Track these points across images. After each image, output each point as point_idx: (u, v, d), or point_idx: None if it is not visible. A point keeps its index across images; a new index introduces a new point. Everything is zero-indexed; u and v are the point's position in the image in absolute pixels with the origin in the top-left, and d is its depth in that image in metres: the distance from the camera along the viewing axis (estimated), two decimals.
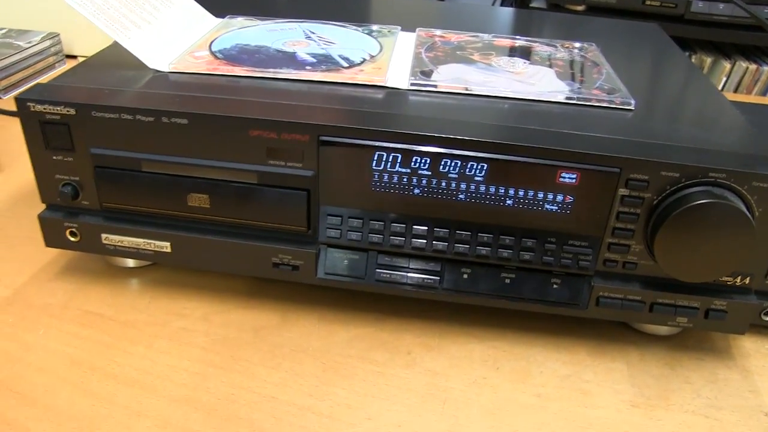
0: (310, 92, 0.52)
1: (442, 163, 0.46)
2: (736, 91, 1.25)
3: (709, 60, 1.26)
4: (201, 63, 0.55)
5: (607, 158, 0.45)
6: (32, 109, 0.49)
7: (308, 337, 0.52)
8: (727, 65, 1.24)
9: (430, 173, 0.47)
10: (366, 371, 0.49)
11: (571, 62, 0.60)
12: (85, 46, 1.03)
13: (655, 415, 0.48)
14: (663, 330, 0.54)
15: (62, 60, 1.01)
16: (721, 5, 1.13)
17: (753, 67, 1.23)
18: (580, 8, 1.21)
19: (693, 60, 1.28)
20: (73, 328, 0.52)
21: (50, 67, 0.98)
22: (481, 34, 0.66)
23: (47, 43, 0.97)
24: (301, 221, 0.50)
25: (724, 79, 1.25)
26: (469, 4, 0.94)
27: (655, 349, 0.54)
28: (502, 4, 1.47)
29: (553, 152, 0.45)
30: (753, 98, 1.18)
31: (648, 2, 1.15)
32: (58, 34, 0.99)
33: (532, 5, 1.23)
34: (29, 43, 0.94)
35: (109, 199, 0.51)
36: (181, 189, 0.50)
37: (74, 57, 1.04)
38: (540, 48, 0.64)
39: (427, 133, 0.46)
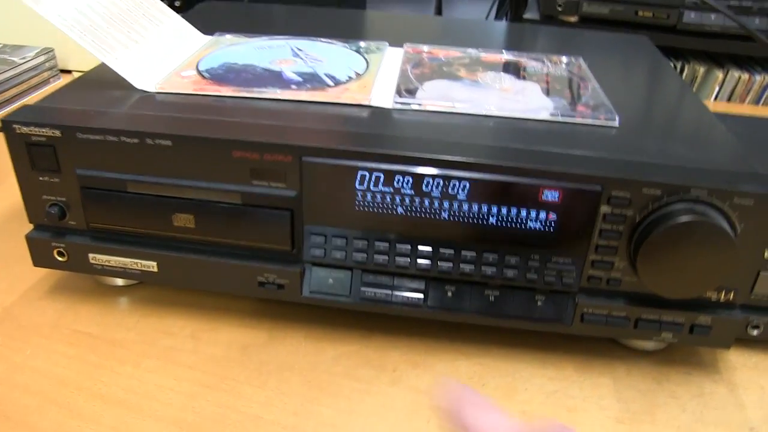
0: (295, 112, 0.52)
1: (425, 182, 0.46)
2: (729, 100, 1.25)
3: (702, 69, 1.27)
4: (187, 83, 0.55)
5: (588, 177, 0.45)
6: (18, 131, 0.49)
7: (295, 355, 0.52)
8: (719, 75, 1.24)
9: (412, 192, 0.47)
10: (351, 389, 0.50)
11: (558, 78, 0.61)
12: (80, 61, 1.03)
13: (642, 430, 0.48)
14: (649, 345, 0.54)
15: (57, 75, 1.02)
16: (713, 16, 1.14)
17: (745, 76, 1.23)
18: (573, 19, 1.21)
19: (686, 70, 1.28)
20: (62, 347, 0.52)
21: (45, 82, 0.99)
22: (469, 50, 0.67)
23: (42, 58, 0.98)
24: (285, 241, 0.50)
25: (717, 88, 1.26)
26: (462, 19, 0.94)
27: (642, 364, 0.54)
28: (496, 16, 1.48)
29: (535, 171, 0.46)
30: (745, 107, 1.19)
31: (641, 13, 1.15)
32: (53, 50, 1.00)
33: (525, 17, 1.24)
34: (24, 58, 0.95)
35: (95, 219, 0.52)
36: (166, 209, 0.50)
37: (69, 72, 1.04)
38: (527, 63, 0.64)
39: (409, 153, 0.46)
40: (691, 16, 1.15)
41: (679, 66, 1.28)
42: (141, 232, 0.52)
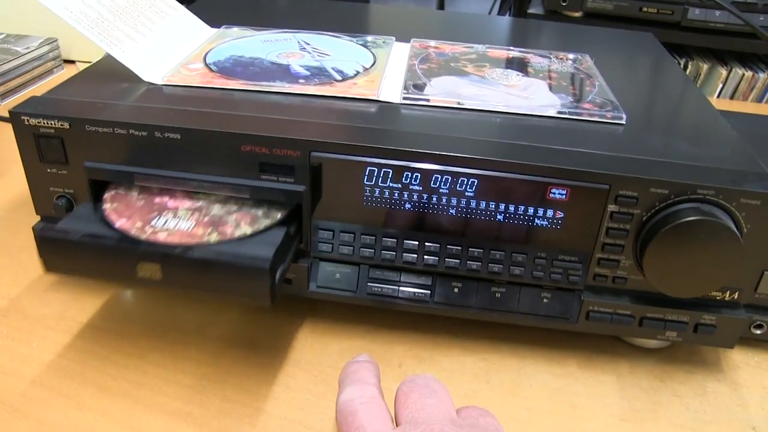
0: (303, 106, 0.52)
1: (433, 178, 0.46)
2: (732, 97, 1.25)
3: (705, 66, 1.27)
4: (195, 75, 0.55)
5: (596, 175, 0.45)
6: (26, 122, 0.49)
7: (301, 350, 0.52)
8: (723, 72, 1.24)
9: (421, 188, 0.47)
10: None
11: (565, 74, 0.61)
12: (83, 51, 1.03)
13: (645, 428, 0.48)
14: (653, 343, 0.55)
15: (60, 65, 1.01)
16: (718, 12, 1.14)
17: (749, 74, 1.23)
18: (577, 14, 1.21)
19: (690, 67, 1.28)
20: (68, 339, 0.52)
21: (48, 72, 0.99)
22: (475, 45, 0.67)
23: (45, 48, 0.97)
24: (264, 296, 0.44)
25: (721, 85, 1.25)
26: (467, 14, 0.94)
27: (646, 362, 0.54)
28: (500, 11, 1.47)
29: (544, 169, 0.46)
30: (749, 105, 1.19)
31: (645, 9, 1.15)
32: (56, 40, 0.99)
33: (529, 11, 1.24)
34: (27, 48, 0.95)
35: (54, 267, 0.47)
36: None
37: (72, 62, 1.04)
38: (534, 59, 0.64)
39: (418, 149, 0.46)
40: (695, 13, 1.14)
41: (682, 63, 1.28)
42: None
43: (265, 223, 0.47)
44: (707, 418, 0.49)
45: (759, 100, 1.24)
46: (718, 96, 1.26)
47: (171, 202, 0.49)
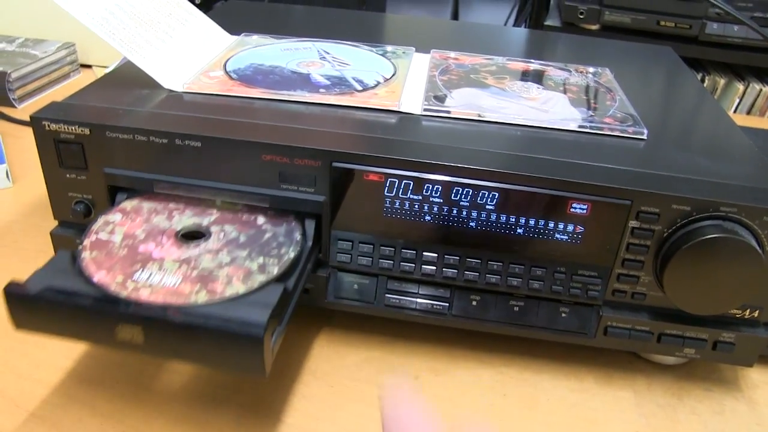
0: (324, 116, 0.52)
1: (454, 191, 0.46)
2: (748, 113, 1.25)
3: (722, 81, 1.26)
4: (215, 83, 0.55)
5: (618, 190, 0.45)
6: (47, 127, 0.49)
7: (317, 360, 0.52)
8: (740, 87, 1.24)
9: (441, 201, 0.47)
10: (373, 395, 0.50)
11: (585, 88, 0.61)
12: (100, 55, 1.04)
13: None
14: (670, 359, 0.54)
15: (77, 69, 1.02)
16: (736, 27, 1.13)
17: (766, 89, 1.23)
18: (594, 27, 1.21)
19: (706, 81, 1.28)
20: (84, 345, 0.52)
21: (65, 76, 0.99)
22: (495, 57, 0.66)
23: (63, 52, 0.98)
24: (257, 368, 0.39)
25: (737, 101, 1.25)
26: (484, 24, 0.94)
27: (663, 379, 0.53)
28: (515, 23, 1.47)
29: (564, 183, 0.45)
30: (766, 120, 1.18)
31: (662, 23, 1.15)
32: (74, 44, 1.00)
33: (546, 23, 1.23)
34: (45, 52, 0.95)
35: (23, 326, 0.41)
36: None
37: (89, 66, 1.05)
38: (554, 72, 0.64)
39: (439, 162, 0.46)
40: (713, 27, 1.14)
41: (699, 77, 1.27)
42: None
43: (259, 279, 0.43)
44: None
45: None
46: (735, 111, 1.26)
47: (157, 252, 0.45)
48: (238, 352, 0.39)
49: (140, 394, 0.48)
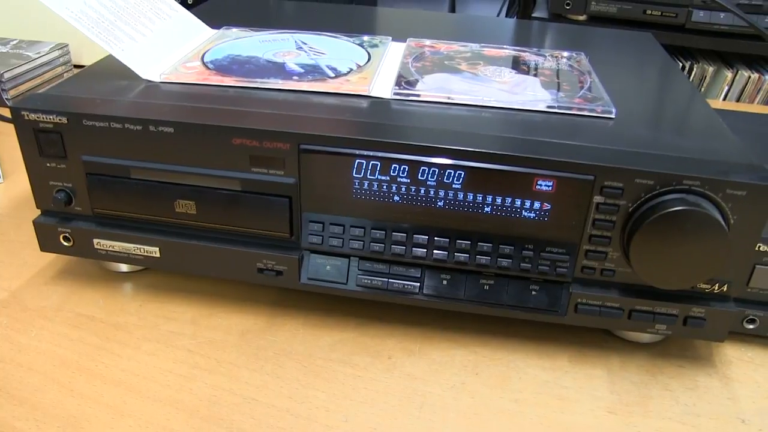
0: (295, 101, 0.53)
1: (420, 170, 0.47)
2: (738, 100, 1.25)
3: (711, 69, 1.26)
4: (192, 73, 0.56)
5: (581, 165, 0.46)
6: (26, 117, 0.51)
7: (292, 341, 0.53)
8: (729, 75, 1.24)
9: (408, 181, 0.48)
10: (346, 375, 0.50)
11: (558, 71, 0.61)
12: (94, 56, 1.04)
13: (632, 421, 0.48)
14: (645, 337, 0.55)
15: (70, 70, 1.03)
16: (722, 15, 1.13)
17: (755, 76, 1.22)
18: (581, 18, 1.21)
19: (695, 69, 1.27)
20: (65, 329, 0.53)
21: (59, 77, 1.01)
22: (471, 44, 0.67)
23: (56, 53, 0.99)
24: (283, 228, 0.51)
25: (726, 88, 1.25)
26: (471, 15, 0.95)
27: (637, 357, 0.54)
28: (507, 14, 1.48)
29: (528, 160, 0.46)
30: (755, 107, 1.18)
31: (649, 12, 1.15)
32: (67, 45, 1.01)
33: (534, 15, 1.24)
34: (38, 53, 0.97)
35: (99, 205, 0.53)
36: (168, 196, 0.51)
37: (82, 67, 1.06)
38: (528, 57, 0.64)
39: (405, 141, 0.47)
40: (700, 15, 1.14)
41: (687, 65, 1.27)
42: (144, 218, 0.53)
43: None
44: (696, 411, 0.49)
45: (765, 102, 1.24)
46: (724, 99, 1.26)
47: None
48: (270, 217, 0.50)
49: (118, 375, 0.49)
